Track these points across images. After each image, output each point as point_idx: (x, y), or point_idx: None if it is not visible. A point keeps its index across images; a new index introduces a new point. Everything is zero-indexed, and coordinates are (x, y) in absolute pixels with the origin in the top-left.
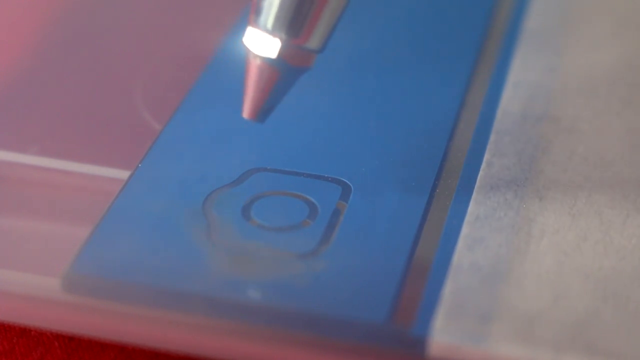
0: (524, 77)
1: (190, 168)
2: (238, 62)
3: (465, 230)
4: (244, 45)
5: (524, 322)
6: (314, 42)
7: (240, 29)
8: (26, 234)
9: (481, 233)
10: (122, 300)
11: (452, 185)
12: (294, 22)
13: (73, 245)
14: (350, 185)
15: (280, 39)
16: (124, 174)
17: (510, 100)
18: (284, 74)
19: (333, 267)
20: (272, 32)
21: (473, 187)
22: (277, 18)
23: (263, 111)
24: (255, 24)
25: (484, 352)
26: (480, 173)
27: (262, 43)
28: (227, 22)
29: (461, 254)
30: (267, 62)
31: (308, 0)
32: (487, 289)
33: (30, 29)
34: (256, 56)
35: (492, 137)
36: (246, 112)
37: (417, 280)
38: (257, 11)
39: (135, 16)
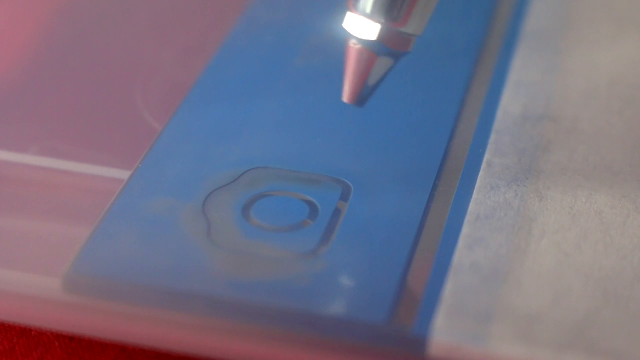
0: (525, 77)
1: (190, 168)
2: (238, 62)
3: (465, 230)
4: (344, 30)
5: (524, 322)
6: (413, 26)
7: (240, 28)
8: (26, 234)
9: (481, 233)
10: (122, 300)
11: (452, 185)
12: (393, 6)
13: (73, 245)
14: (350, 185)
15: (380, 23)
16: (124, 174)
17: (510, 100)
18: (384, 58)
19: (333, 267)
20: (372, 16)
21: (473, 187)
22: (376, 2)
23: (363, 96)
24: (355, 8)
25: (484, 352)
26: (481, 173)
27: (361, 28)
28: (228, 22)
29: (461, 254)
30: (367, 46)
31: None
32: (487, 289)
33: (30, 29)
34: (356, 41)
35: (492, 137)
36: (346, 97)
37: (417, 280)
38: None
39: (136, 16)
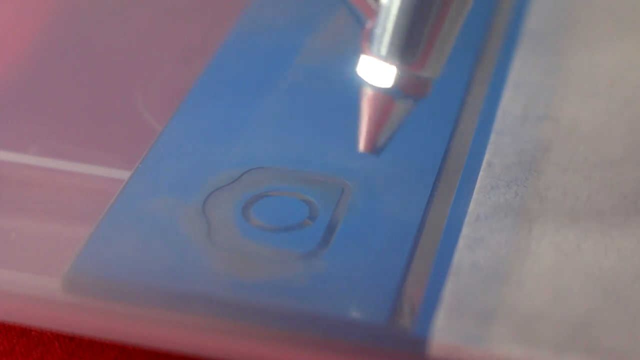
0: (524, 77)
1: (190, 168)
2: (238, 62)
3: (465, 230)
4: (359, 76)
5: (524, 322)
6: (429, 70)
7: (240, 28)
8: (26, 234)
9: (481, 233)
10: (122, 300)
11: (452, 185)
12: (410, 49)
13: (73, 245)
14: (350, 185)
15: (396, 67)
16: (124, 174)
17: (510, 100)
18: (401, 103)
19: (333, 267)
20: (387, 59)
21: (473, 187)
22: (392, 45)
23: (380, 143)
24: (369, 51)
25: (484, 352)
26: (481, 173)
27: (376, 72)
28: (228, 22)
29: (461, 254)
30: (383, 92)
31: (422, 26)
32: (487, 289)
33: (30, 29)
34: (371, 86)
35: (492, 137)
36: (363, 146)
37: (417, 280)
38: (371, 38)
39: (136, 16)
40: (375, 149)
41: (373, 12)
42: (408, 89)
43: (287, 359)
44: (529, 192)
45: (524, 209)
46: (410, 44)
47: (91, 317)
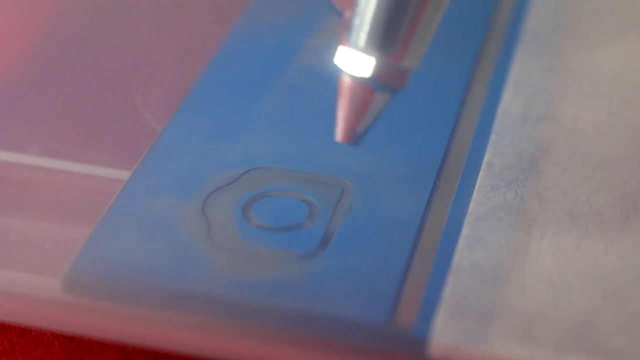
0: (524, 77)
1: (190, 168)
2: (238, 62)
3: (465, 230)
4: (336, 66)
5: (524, 322)
6: (409, 60)
7: (240, 28)
8: (26, 234)
9: (481, 233)
10: (122, 300)
11: (452, 185)
12: (388, 40)
13: (73, 245)
14: (350, 185)
15: (374, 58)
16: (124, 174)
17: (510, 100)
18: (379, 94)
19: (333, 267)
20: (365, 50)
21: (473, 187)
22: (370, 36)
23: (358, 134)
24: (347, 42)
25: (484, 352)
26: (480, 173)
27: (355, 62)
28: (228, 22)
29: (461, 254)
30: (361, 82)
31: (402, 17)
32: (487, 289)
33: (30, 29)
34: (349, 76)
35: (492, 137)
36: (341, 136)
37: (417, 280)
38: (349, 29)
39: (136, 16)
40: (353, 139)
41: (351, 1)
42: (386, 80)
43: (287, 359)
44: (529, 192)
45: (524, 209)
46: (389, 35)
47: (91, 317)
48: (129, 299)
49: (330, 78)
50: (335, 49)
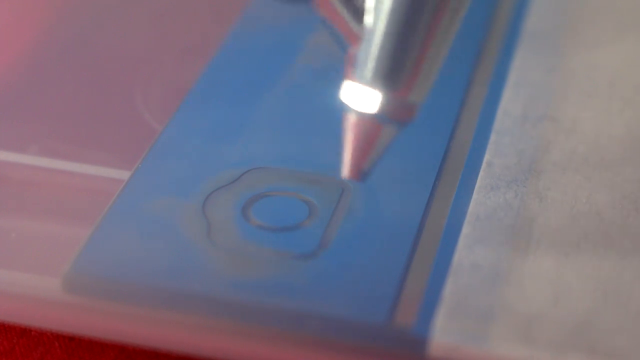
0: (524, 77)
1: (190, 168)
2: (238, 62)
3: (465, 230)
4: (344, 102)
5: (524, 322)
6: (415, 95)
7: (240, 28)
8: (26, 234)
9: (481, 233)
10: (122, 300)
11: (452, 185)
12: (395, 75)
13: (73, 245)
14: (350, 185)
15: (381, 93)
16: (124, 174)
17: (510, 100)
18: (386, 129)
19: (333, 267)
20: (372, 85)
21: (473, 187)
22: (377, 71)
23: (366, 170)
24: (353, 77)
25: (484, 352)
26: (480, 173)
27: (361, 98)
28: (228, 22)
29: (461, 254)
30: (368, 118)
31: (408, 51)
32: (487, 289)
33: (30, 29)
34: (356, 112)
35: (492, 137)
36: (349, 172)
37: (417, 280)
38: (355, 64)
39: (135, 16)
40: (360, 175)
41: (356, 36)
42: (394, 115)
43: (287, 359)
44: (529, 192)
45: (524, 209)
46: (396, 70)
47: (91, 317)
48: (129, 299)
49: (329, 79)
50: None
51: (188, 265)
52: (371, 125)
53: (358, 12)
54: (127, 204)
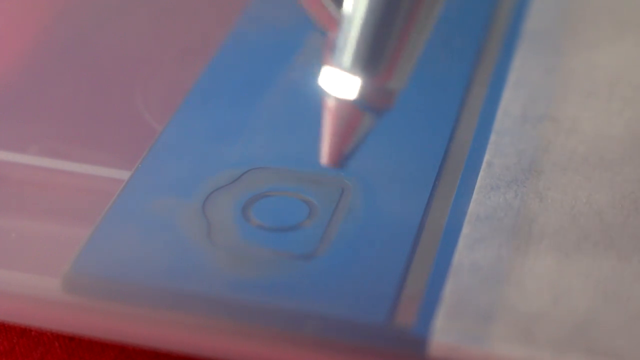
0: (524, 77)
1: (190, 168)
2: (238, 62)
3: (465, 230)
4: (321, 87)
5: (524, 322)
6: (395, 81)
7: (240, 28)
8: (26, 234)
9: (481, 233)
10: (122, 300)
11: (452, 185)
12: (374, 61)
13: (73, 245)
14: (350, 185)
15: (360, 79)
16: (124, 174)
17: (510, 100)
18: (365, 116)
19: (333, 267)
20: (351, 71)
21: (473, 187)
22: (355, 57)
23: (345, 157)
24: (332, 62)
25: (484, 352)
26: (480, 173)
27: (339, 83)
28: (228, 22)
29: (461, 254)
30: (347, 104)
31: (388, 37)
32: (487, 289)
33: (30, 29)
34: (334, 98)
35: (492, 137)
36: (327, 159)
37: (417, 280)
38: (334, 49)
39: (136, 16)
40: (340, 162)
41: (335, 22)
42: (373, 101)
43: (287, 359)
44: (529, 192)
45: (524, 209)
46: (375, 55)
47: (91, 317)
48: (129, 299)
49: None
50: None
51: (188, 265)
52: (350, 111)
53: None
54: (127, 204)
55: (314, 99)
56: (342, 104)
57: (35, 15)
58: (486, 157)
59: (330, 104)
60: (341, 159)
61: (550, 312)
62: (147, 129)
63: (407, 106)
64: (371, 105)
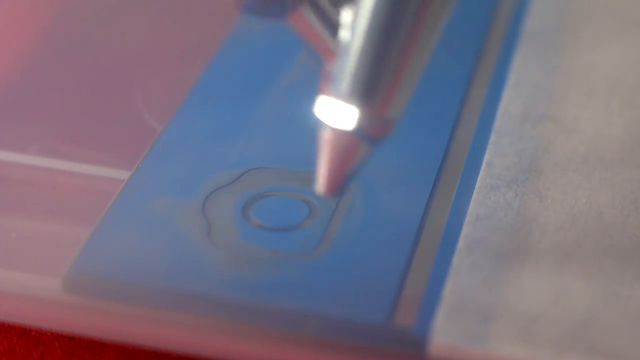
0: (524, 77)
1: (190, 168)
2: (238, 62)
3: (465, 230)
4: (318, 117)
5: (524, 322)
6: (392, 110)
7: (240, 28)
8: (26, 234)
9: (481, 233)
10: (122, 300)
11: (452, 185)
12: (371, 91)
13: (73, 245)
14: (350, 185)
15: (358, 108)
16: (124, 174)
17: (510, 100)
18: (363, 146)
19: (333, 267)
20: (348, 101)
21: (473, 187)
22: (353, 86)
23: (343, 187)
24: (329, 92)
25: (484, 352)
26: (480, 173)
27: (337, 113)
28: (228, 22)
29: (461, 254)
30: (344, 134)
31: (386, 66)
32: (487, 289)
33: (30, 29)
34: (332, 128)
35: (492, 137)
36: (324, 189)
37: (417, 280)
38: (330, 79)
39: (136, 16)
40: (337, 192)
41: (331, 52)
42: (370, 131)
43: (287, 359)
44: (529, 192)
45: (524, 209)
46: (373, 85)
47: (91, 317)
48: (128, 299)
49: None
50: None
51: (188, 265)
52: (347, 141)
53: (333, 28)
54: (127, 204)
55: (314, 99)
56: (339, 134)
57: (35, 15)
58: (486, 157)
59: (327, 133)
60: (338, 189)
61: (550, 312)
62: (147, 129)
63: (407, 106)
64: (368, 134)
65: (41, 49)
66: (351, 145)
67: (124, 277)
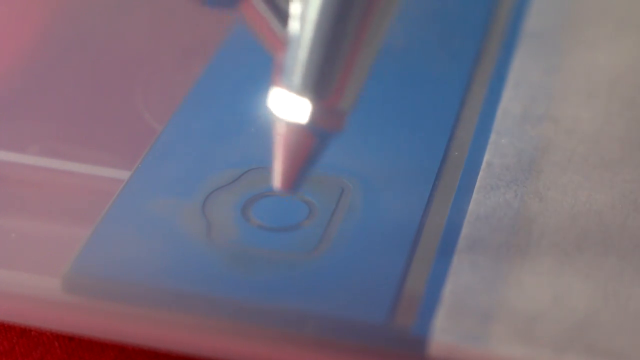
0: (524, 77)
1: (190, 168)
2: (238, 62)
3: (465, 230)
4: (271, 110)
5: (524, 322)
6: (345, 102)
7: (240, 29)
8: (26, 234)
9: (481, 233)
10: (122, 300)
11: (452, 185)
12: (323, 83)
13: (73, 245)
14: (350, 185)
15: (310, 101)
16: (124, 174)
17: (510, 100)
18: (316, 139)
19: (333, 267)
20: (300, 93)
21: (473, 187)
22: (304, 79)
23: (299, 181)
24: (281, 84)
25: (484, 352)
26: (480, 173)
27: (289, 106)
28: (227, 22)
29: (461, 254)
30: (298, 127)
31: (337, 58)
32: (487, 289)
33: (30, 29)
34: (285, 121)
35: (492, 137)
36: (280, 183)
37: (417, 280)
38: (283, 71)
39: (136, 16)
40: (293, 186)
41: (282, 44)
42: (323, 123)
43: (287, 359)
44: (529, 192)
45: (524, 209)
46: (324, 77)
47: (91, 317)
48: (128, 299)
49: None
50: None
51: (188, 265)
52: (301, 134)
53: (283, 18)
54: (127, 204)
55: None
56: (293, 127)
57: (35, 15)
58: (486, 157)
59: (280, 127)
60: (294, 183)
61: (550, 312)
62: (147, 129)
63: (407, 106)
64: (321, 127)
65: (41, 49)
66: (304, 139)
67: (124, 277)
